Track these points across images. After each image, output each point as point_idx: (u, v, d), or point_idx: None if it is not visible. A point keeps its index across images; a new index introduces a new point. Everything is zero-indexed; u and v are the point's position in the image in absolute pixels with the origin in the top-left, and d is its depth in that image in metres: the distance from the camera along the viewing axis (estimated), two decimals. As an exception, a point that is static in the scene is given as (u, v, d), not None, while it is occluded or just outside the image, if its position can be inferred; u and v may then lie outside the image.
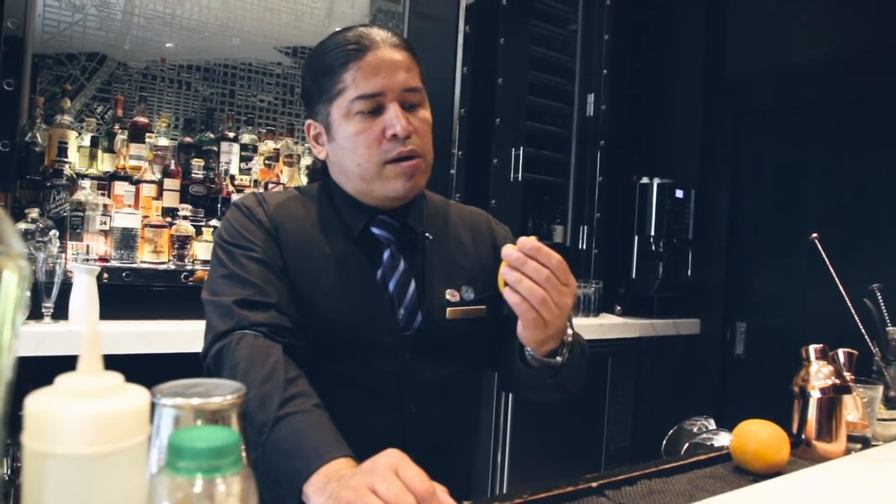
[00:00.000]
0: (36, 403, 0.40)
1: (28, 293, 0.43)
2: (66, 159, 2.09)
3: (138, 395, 0.44)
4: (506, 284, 0.89)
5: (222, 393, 0.52)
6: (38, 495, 0.40)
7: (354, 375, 1.03)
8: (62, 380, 0.42)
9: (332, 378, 1.01)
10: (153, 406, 0.48)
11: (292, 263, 1.04)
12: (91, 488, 0.40)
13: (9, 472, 1.30)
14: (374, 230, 1.09)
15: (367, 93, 1.02)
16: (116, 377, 0.43)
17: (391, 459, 0.70)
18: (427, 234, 1.12)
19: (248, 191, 2.46)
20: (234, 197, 2.33)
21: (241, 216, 1.06)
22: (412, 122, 1.04)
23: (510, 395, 2.60)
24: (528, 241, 0.87)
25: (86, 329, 0.44)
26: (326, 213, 1.10)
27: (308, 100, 1.12)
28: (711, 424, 1.46)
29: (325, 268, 1.05)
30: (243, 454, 0.46)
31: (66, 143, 2.11)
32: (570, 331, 1.00)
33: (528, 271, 0.86)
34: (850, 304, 1.32)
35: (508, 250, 0.87)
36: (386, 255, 1.08)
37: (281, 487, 0.82)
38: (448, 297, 1.09)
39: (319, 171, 1.21)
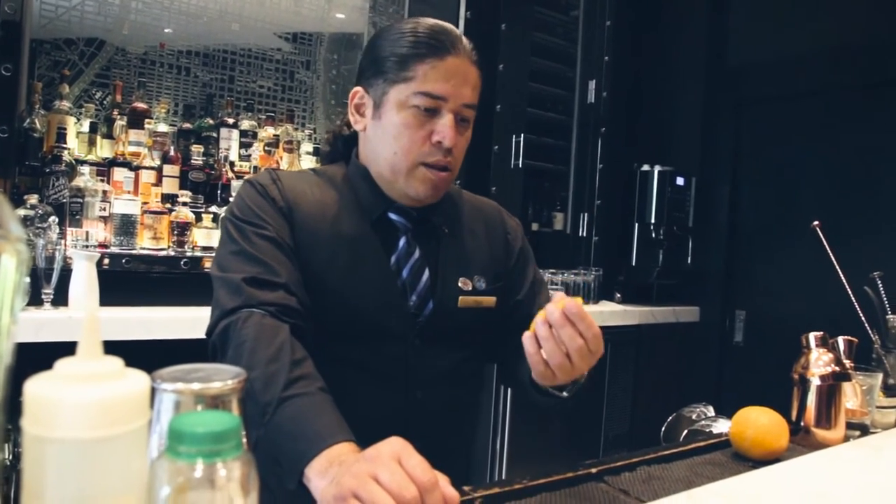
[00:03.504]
0: (36, 388, 0.40)
1: (27, 279, 0.42)
2: (64, 145, 2.08)
3: (138, 379, 0.44)
4: (534, 333, 0.87)
5: (223, 378, 0.52)
6: (38, 480, 0.40)
7: (363, 359, 1.03)
8: (62, 364, 0.42)
9: (340, 360, 1.01)
10: (153, 391, 0.48)
11: (305, 244, 1.03)
12: (91, 473, 0.40)
13: (10, 457, 1.31)
14: (392, 216, 1.10)
15: (434, 93, 1.02)
16: (116, 362, 0.43)
17: (394, 448, 0.70)
18: (444, 229, 1.13)
19: (247, 177, 2.45)
20: (235, 184, 2.32)
21: (254, 193, 1.05)
22: (458, 139, 1.05)
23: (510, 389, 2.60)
24: (575, 306, 0.84)
25: (85, 314, 0.44)
26: (343, 195, 1.10)
27: (366, 69, 1.10)
28: (710, 411, 1.47)
29: (339, 249, 1.04)
30: (244, 439, 0.46)
31: (65, 128, 2.10)
32: (584, 372, 0.97)
33: (564, 336, 0.84)
34: (850, 292, 1.32)
35: (552, 308, 0.84)
36: (402, 241, 1.09)
37: (281, 468, 0.82)
38: (461, 285, 1.10)
39: (342, 143, 1.19)
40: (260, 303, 0.93)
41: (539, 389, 1.01)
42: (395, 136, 1.04)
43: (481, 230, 1.19)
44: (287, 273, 0.98)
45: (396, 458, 0.68)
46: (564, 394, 0.98)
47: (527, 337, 0.88)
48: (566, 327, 0.84)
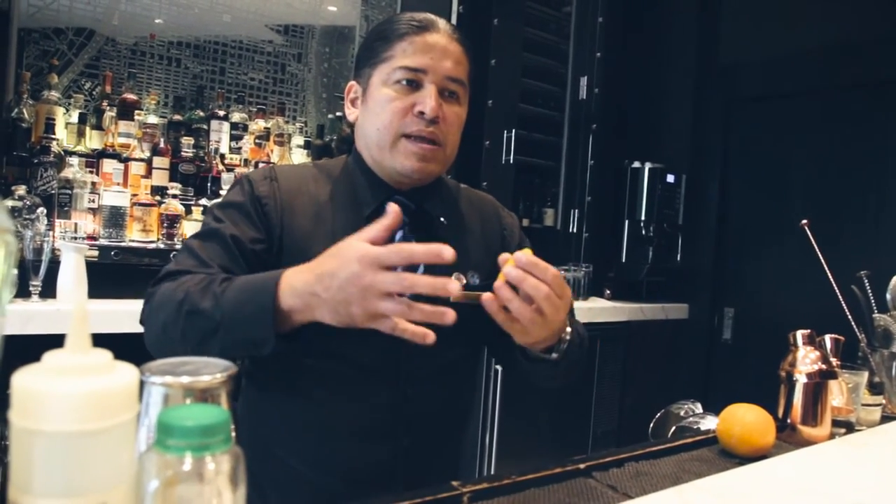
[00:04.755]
0: (23, 381, 0.40)
1: (15, 271, 0.42)
2: (53, 136, 2.07)
3: (127, 372, 0.43)
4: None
5: (211, 371, 0.52)
6: (26, 473, 0.39)
7: (353, 355, 1.02)
8: (50, 357, 0.41)
9: (332, 355, 1.01)
10: (142, 384, 0.48)
11: (298, 243, 1.03)
12: (79, 466, 0.40)
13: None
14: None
15: (412, 66, 1.04)
16: (105, 354, 0.43)
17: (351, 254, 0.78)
18: (442, 219, 1.13)
19: (238, 170, 2.44)
20: (225, 176, 2.31)
21: (238, 191, 1.06)
22: (444, 109, 1.05)
23: (499, 378, 2.61)
24: (524, 256, 0.84)
25: (74, 307, 0.43)
26: (340, 191, 1.10)
27: (358, 63, 1.13)
28: (698, 408, 1.48)
29: (333, 245, 1.04)
30: (233, 433, 0.46)
31: (54, 119, 2.08)
32: (568, 328, 0.98)
33: (527, 288, 0.84)
34: (837, 291, 1.33)
35: (507, 268, 0.85)
36: (398, 235, 1.08)
37: (255, 347, 0.86)
38: (454, 280, 1.10)
39: (347, 141, 1.21)
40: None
41: (529, 357, 1.01)
42: (378, 112, 1.06)
43: (477, 225, 1.19)
44: (222, 270, 0.99)
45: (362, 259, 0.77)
46: (554, 355, 0.98)
47: (487, 299, 0.87)
48: (526, 279, 0.84)
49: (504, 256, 0.87)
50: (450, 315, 0.77)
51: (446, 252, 0.76)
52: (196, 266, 0.97)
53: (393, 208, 0.81)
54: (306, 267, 0.85)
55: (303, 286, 0.83)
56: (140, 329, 0.98)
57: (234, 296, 0.87)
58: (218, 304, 0.87)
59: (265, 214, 1.04)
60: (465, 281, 1.10)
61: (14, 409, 0.40)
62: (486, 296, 0.87)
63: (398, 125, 1.04)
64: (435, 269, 1.08)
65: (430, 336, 0.79)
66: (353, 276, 0.78)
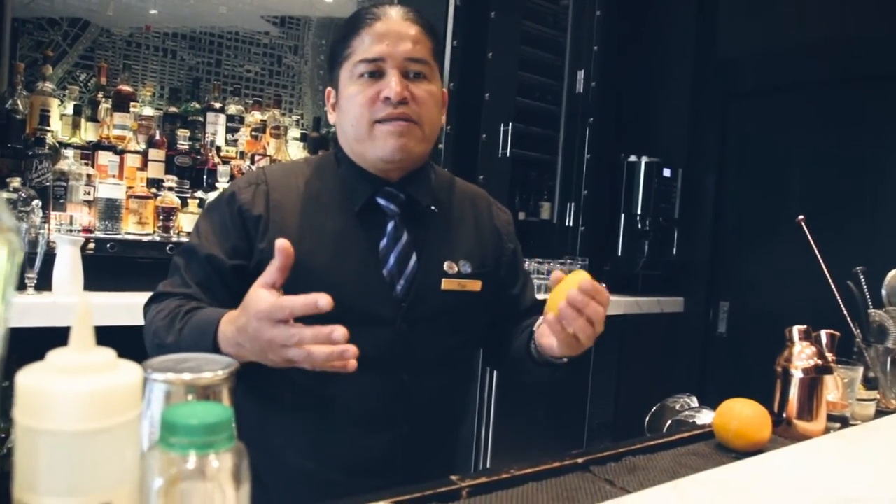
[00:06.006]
0: (28, 379, 0.40)
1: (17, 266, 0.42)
2: (48, 128, 2.05)
3: (131, 370, 0.43)
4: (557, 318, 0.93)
5: (213, 368, 0.52)
6: (30, 472, 0.40)
7: (349, 343, 1.03)
8: (54, 355, 0.41)
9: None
10: (143, 380, 0.48)
11: (290, 240, 1.03)
12: (84, 464, 0.40)
13: (4, 449, 1.31)
14: (381, 201, 1.10)
15: (369, 57, 1.06)
16: (109, 353, 0.43)
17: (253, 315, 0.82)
18: (433, 208, 1.13)
19: (234, 162, 2.43)
20: (221, 168, 2.30)
21: (223, 204, 1.09)
22: (413, 90, 1.06)
23: (494, 371, 2.62)
24: (588, 283, 0.91)
25: (78, 304, 0.43)
26: (329, 187, 1.11)
27: (328, 68, 1.17)
28: (694, 402, 1.48)
29: (322, 244, 1.06)
30: (235, 430, 0.46)
31: (49, 110, 2.07)
32: None
33: (590, 312, 0.91)
34: (833, 286, 1.33)
35: (574, 292, 0.90)
36: (390, 226, 1.09)
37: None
38: (445, 268, 1.11)
39: (334, 141, 1.24)
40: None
41: (537, 362, 1.08)
42: (349, 109, 1.08)
43: (470, 216, 1.20)
44: (199, 289, 1.04)
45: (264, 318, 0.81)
46: (564, 359, 1.04)
47: (552, 320, 0.93)
48: (589, 304, 0.91)
49: (557, 275, 0.96)
50: (351, 352, 0.81)
51: (321, 300, 0.79)
52: (178, 286, 1.04)
53: (281, 244, 0.84)
54: (233, 315, 0.89)
55: (231, 336, 0.88)
56: (135, 322, 1.03)
57: (188, 334, 0.94)
58: (177, 340, 0.94)
59: (244, 222, 1.06)
60: (456, 269, 1.11)
61: (18, 407, 0.40)
62: (550, 316, 0.94)
63: (369, 114, 1.06)
64: (426, 257, 1.09)
65: (351, 365, 0.82)
66: (256, 332, 0.83)
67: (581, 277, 0.92)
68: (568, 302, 0.91)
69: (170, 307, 0.99)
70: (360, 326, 0.90)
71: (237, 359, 0.89)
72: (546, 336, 1.01)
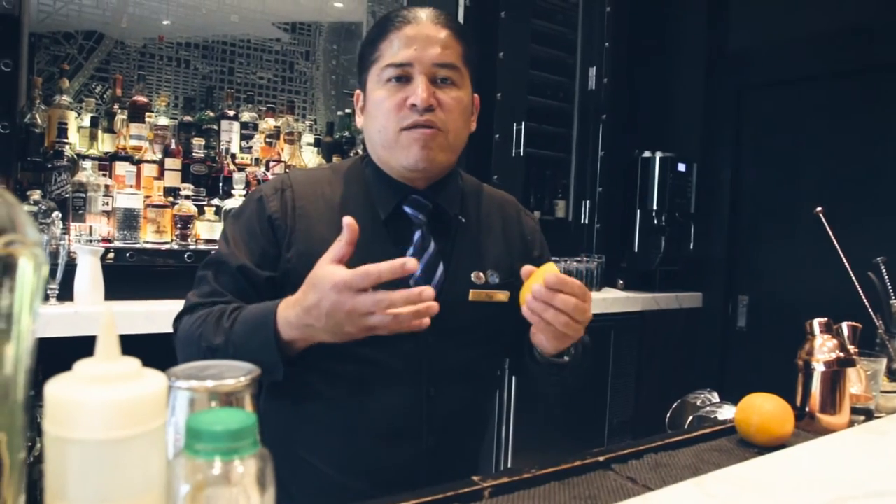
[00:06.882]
0: (56, 390, 0.41)
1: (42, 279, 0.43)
2: (66, 140, 2.08)
3: (156, 379, 0.44)
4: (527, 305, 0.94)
5: (235, 375, 0.52)
6: (60, 480, 0.40)
7: (376, 357, 1.02)
8: (81, 366, 0.42)
9: (355, 357, 1.01)
10: (168, 388, 0.48)
11: (315, 248, 1.03)
12: (112, 472, 0.41)
13: (31, 458, 1.32)
14: (407, 209, 1.09)
15: (397, 62, 1.04)
16: (134, 362, 0.44)
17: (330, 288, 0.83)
18: (460, 217, 1.12)
19: (249, 169, 2.45)
20: (237, 176, 2.32)
21: (252, 212, 1.08)
22: (439, 96, 1.05)
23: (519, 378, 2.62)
24: (552, 276, 0.91)
25: (102, 315, 0.44)
26: (355, 194, 1.10)
27: (358, 71, 1.16)
28: (715, 397, 1.47)
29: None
30: (258, 436, 0.47)
31: (66, 123, 2.10)
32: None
33: (558, 304, 0.91)
34: (853, 278, 1.32)
35: (537, 287, 0.91)
36: (417, 235, 1.08)
37: (267, 374, 0.91)
38: (473, 278, 1.09)
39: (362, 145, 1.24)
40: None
41: (542, 366, 1.06)
42: (376, 114, 1.07)
43: (498, 224, 1.18)
44: (233, 297, 1.03)
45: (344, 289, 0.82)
46: (565, 358, 1.04)
47: (528, 313, 0.94)
48: (556, 297, 0.91)
49: (527, 269, 0.94)
50: (434, 308, 0.84)
51: (409, 263, 0.81)
52: (211, 296, 1.03)
53: (348, 221, 0.86)
54: (293, 300, 0.90)
55: (296, 319, 0.88)
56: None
57: (240, 329, 0.94)
58: (228, 339, 0.94)
59: (274, 231, 1.05)
60: (484, 279, 1.10)
61: (47, 417, 0.41)
62: (524, 310, 0.94)
63: (395, 121, 1.05)
64: (453, 267, 1.09)
65: (425, 323, 0.85)
66: (336, 304, 0.83)
67: (548, 271, 0.92)
68: (533, 296, 0.91)
69: (210, 312, 0.99)
70: (386, 338, 0.91)
71: (303, 342, 0.91)
72: (535, 333, 1.00)
